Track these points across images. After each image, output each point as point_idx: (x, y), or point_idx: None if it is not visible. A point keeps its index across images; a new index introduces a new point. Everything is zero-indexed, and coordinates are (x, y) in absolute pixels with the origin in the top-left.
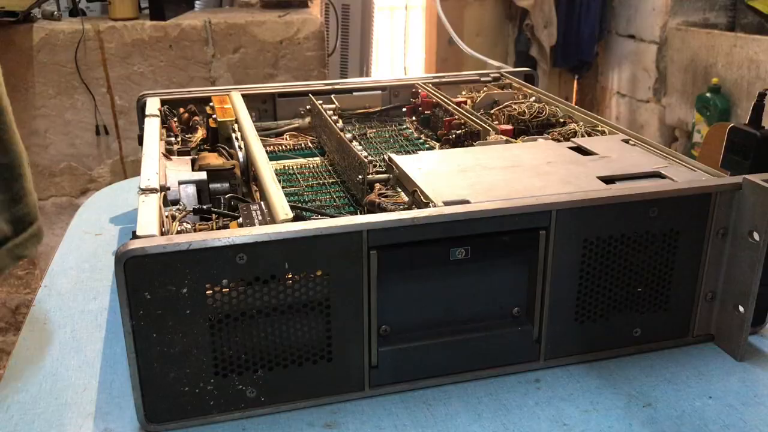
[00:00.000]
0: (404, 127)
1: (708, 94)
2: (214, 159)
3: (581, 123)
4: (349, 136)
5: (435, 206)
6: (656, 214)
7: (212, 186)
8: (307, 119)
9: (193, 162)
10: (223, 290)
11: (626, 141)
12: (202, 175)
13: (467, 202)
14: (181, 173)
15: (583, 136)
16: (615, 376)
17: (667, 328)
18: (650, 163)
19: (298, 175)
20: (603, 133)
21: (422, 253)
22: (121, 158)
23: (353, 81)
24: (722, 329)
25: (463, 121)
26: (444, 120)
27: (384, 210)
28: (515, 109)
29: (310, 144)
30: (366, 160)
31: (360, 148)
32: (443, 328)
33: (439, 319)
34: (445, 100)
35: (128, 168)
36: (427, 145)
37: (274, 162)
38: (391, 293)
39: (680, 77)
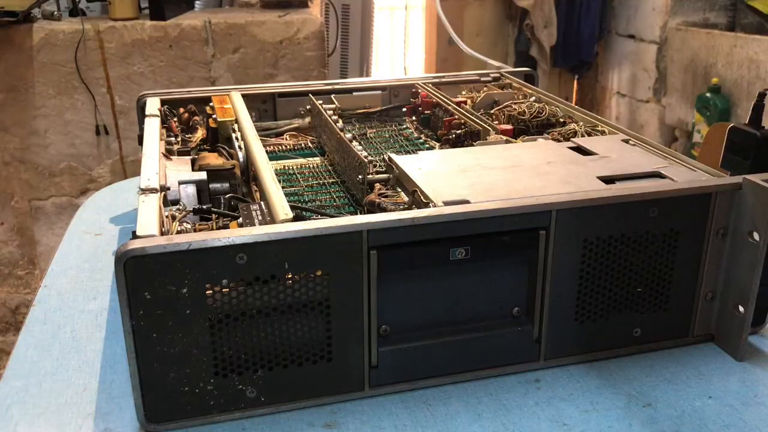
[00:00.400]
0: (404, 127)
1: (708, 94)
2: (214, 159)
3: (581, 123)
4: (348, 136)
5: (435, 206)
6: (656, 214)
7: (212, 186)
8: (307, 119)
9: (193, 162)
10: (223, 290)
11: (626, 141)
12: (202, 175)
13: (467, 202)
14: (181, 173)
15: (583, 136)
16: (615, 376)
17: (667, 328)
18: (650, 163)
19: (298, 175)
20: (603, 133)
21: (422, 253)
22: (121, 158)
23: (353, 81)
24: (722, 329)
25: (463, 121)
26: (444, 120)
27: (384, 210)
28: (515, 109)
29: (310, 144)
30: (366, 160)
31: (360, 148)
32: (443, 328)
33: (439, 319)
34: (445, 100)
35: (128, 168)
36: (427, 145)
37: (274, 162)
38: (391, 293)
39: (680, 77)
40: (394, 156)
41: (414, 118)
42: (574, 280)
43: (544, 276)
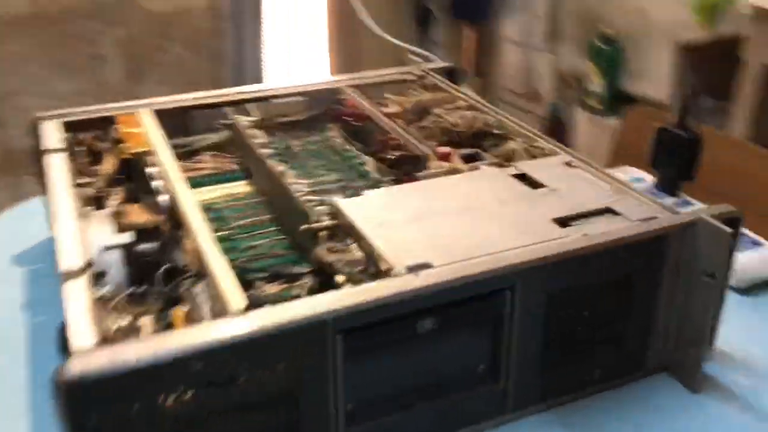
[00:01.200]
0: (330, 135)
1: (599, 43)
2: (137, 213)
3: (518, 139)
4: (281, 168)
5: (398, 275)
6: (616, 259)
7: (140, 248)
8: (225, 133)
9: (114, 216)
10: (178, 399)
11: (568, 164)
12: (128, 238)
13: (430, 266)
14: (101, 234)
15: (522, 156)
16: (579, 423)
17: (623, 366)
18: (599, 196)
19: (227, 212)
20: (541, 150)
21: (389, 331)
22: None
23: (272, 88)
24: (677, 362)
25: (400, 141)
26: (378, 138)
27: (338, 272)
28: (447, 119)
29: (232, 166)
30: (308, 206)
31: (302, 191)
32: (410, 397)
33: (407, 390)
34: (376, 112)
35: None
36: (358, 160)
37: (196, 190)
38: (358, 373)
39: (572, 25)
40: (338, 201)
41: (339, 125)
42: (538, 333)
43: (509, 332)
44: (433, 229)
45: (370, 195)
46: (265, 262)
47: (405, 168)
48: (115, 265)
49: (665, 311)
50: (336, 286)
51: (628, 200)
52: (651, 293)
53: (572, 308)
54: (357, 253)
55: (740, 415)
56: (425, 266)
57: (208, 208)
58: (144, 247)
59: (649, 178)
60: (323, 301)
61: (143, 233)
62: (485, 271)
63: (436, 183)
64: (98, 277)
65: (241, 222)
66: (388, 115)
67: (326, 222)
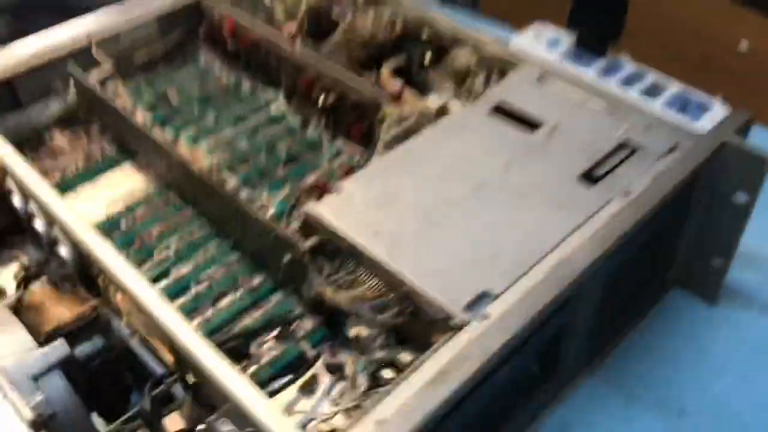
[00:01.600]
0: (208, 68)
1: None
2: (51, 299)
3: (466, 48)
4: (200, 163)
5: (462, 323)
6: (660, 211)
7: (79, 352)
8: (70, 96)
9: (16, 311)
10: None
11: (542, 78)
12: (63, 349)
13: (490, 295)
14: (19, 352)
15: (478, 73)
16: (626, 378)
17: (651, 293)
18: (603, 126)
19: (141, 230)
20: (492, 54)
21: (475, 393)
22: None
23: (113, 18)
24: (694, 276)
25: (327, 80)
26: (294, 75)
27: (363, 319)
28: (360, 30)
29: (105, 146)
30: (290, 237)
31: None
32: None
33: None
34: (272, 38)
35: None
36: (263, 99)
37: (71, 197)
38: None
39: None
40: (320, 211)
41: (209, 48)
42: (592, 317)
43: (569, 333)
44: (455, 229)
45: (349, 188)
46: (237, 303)
47: (349, 117)
48: (59, 391)
49: (691, 230)
50: (343, 325)
51: (633, 122)
52: (680, 221)
53: (622, 280)
54: (369, 281)
55: (761, 317)
56: (485, 297)
57: (111, 230)
58: (83, 349)
59: (563, 37)
60: (410, 407)
61: (78, 332)
62: (559, 291)
63: (415, 149)
64: (51, 421)
65: (171, 246)
66: (292, 41)
67: (311, 242)
